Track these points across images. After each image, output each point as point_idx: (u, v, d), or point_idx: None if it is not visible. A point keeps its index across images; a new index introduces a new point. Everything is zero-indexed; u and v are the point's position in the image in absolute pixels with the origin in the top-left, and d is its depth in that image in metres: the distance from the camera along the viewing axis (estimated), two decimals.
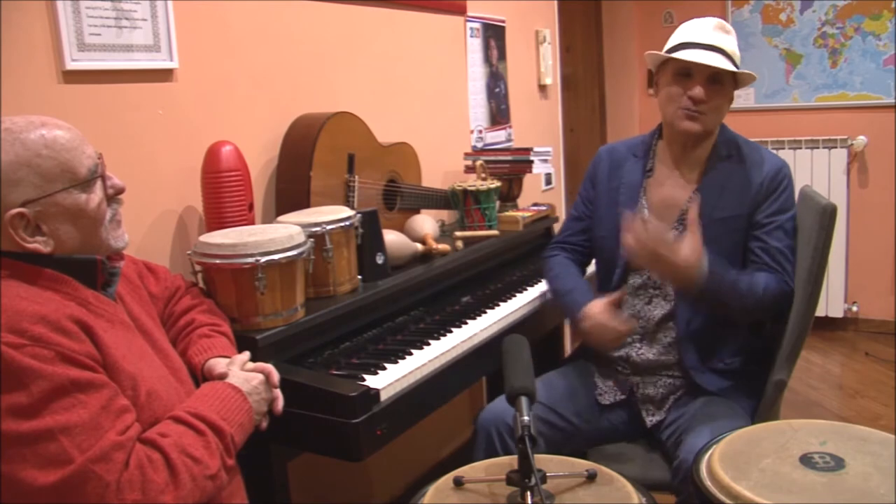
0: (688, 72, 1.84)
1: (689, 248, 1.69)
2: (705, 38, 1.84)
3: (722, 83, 1.84)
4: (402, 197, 2.32)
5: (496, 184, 2.50)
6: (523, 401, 1.22)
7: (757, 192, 1.85)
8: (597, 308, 1.86)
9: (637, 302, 1.95)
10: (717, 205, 1.86)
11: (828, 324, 4.21)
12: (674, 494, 1.69)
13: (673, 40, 1.90)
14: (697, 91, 1.82)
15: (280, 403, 1.41)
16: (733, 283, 1.76)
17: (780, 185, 1.86)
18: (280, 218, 1.83)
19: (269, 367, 1.43)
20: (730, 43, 1.86)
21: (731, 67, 1.82)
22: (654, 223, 1.73)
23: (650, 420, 1.91)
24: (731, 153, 1.91)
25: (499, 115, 3.22)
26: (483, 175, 2.55)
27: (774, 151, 4.10)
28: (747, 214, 1.85)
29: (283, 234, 1.61)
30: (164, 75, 1.78)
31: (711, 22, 1.88)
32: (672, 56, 1.85)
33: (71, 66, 1.57)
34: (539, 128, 3.59)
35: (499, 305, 2.13)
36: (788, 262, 1.84)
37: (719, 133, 1.93)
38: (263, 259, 1.55)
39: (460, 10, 2.92)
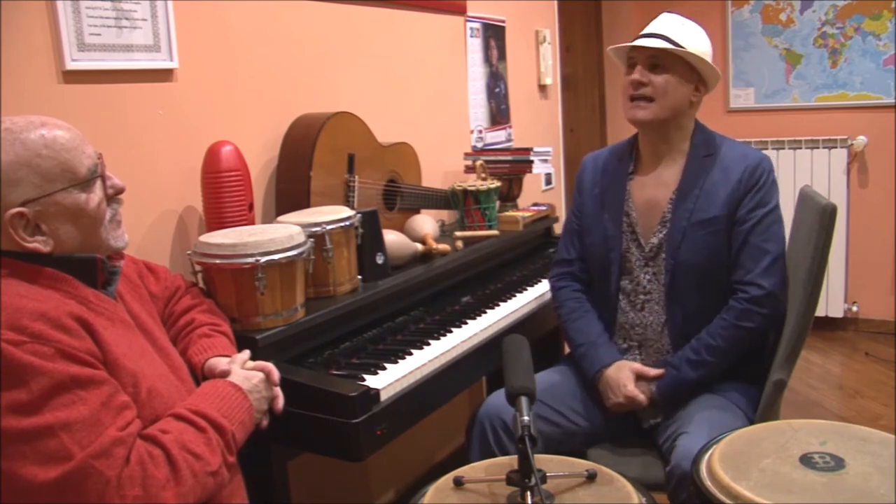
0: (633, 61, 1.88)
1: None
2: (653, 28, 1.87)
3: (665, 68, 1.84)
4: (402, 197, 2.32)
5: (496, 184, 2.50)
6: (523, 401, 1.22)
7: (736, 189, 1.83)
8: (623, 374, 1.86)
9: (629, 308, 1.95)
10: (698, 206, 1.85)
11: (828, 324, 4.20)
12: (669, 499, 1.69)
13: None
14: (636, 74, 1.84)
15: (280, 402, 1.41)
16: (691, 365, 1.82)
17: (759, 180, 1.84)
18: (280, 218, 1.83)
19: (270, 365, 1.43)
20: (679, 32, 1.84)
21: (665, 45, 1.81)
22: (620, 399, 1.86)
23: (648, 423, 1.90)
24: (710, 152, 1.89)
25: (499, 115, 3.22)
26: (483, 175, 2.55)
27: (775, 152, 4.13)
28: (728, 213, 1.84)
29: (283, 234, 1.61)
30: (164, 75, 1.78)
31: (666, 16, 1.90)
32: (621, 47, 1.90)
33: (71, 66, 1.57)
34: (539, 128, 3.59)
35: (499, 305, 2.13)
36: (768, 256, 1.81)
37: (697, 132, 1.92)
38: (263, 259, 1.55)
39: (460, 10, 2.92)
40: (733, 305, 1.83)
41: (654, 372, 1.85)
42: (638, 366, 1.88)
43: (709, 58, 1.86)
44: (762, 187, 1.84)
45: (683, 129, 1.91)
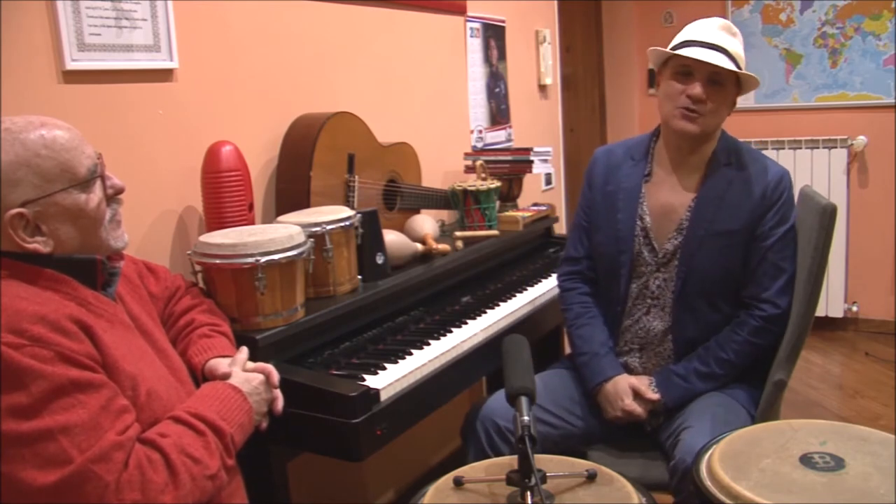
0: (688, 70, 1.80)
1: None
2: (709, 37, 1.80)
3: (723, 84, 1.80)
4: (402, 197, 2.32)
5: (496, 184, 2.50)
6: (523, 401, 1.22)
7: (758, 203, 1.82)
8: (621, 389, 1.87)
9: (635, 312, 1.94)
10: (717, 216, 1.83)
11: (828, 324, 4.21)
12: (672, 495, 1.69)
13: (677, 39, 1.85)
14: (697, 90, 1.78)
15: (280, 404, 1.41)
16: (701, 377, 1.83)
17: (781, 196, 1.83)
18: (280, 218, 1.83)
19: (270, 367, 1.43)
20: (734, 45, 1.81)
21: (732, 67, 1.77)
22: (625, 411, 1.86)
23: (649, 425, 1.90)
24: (731, 160, 1.86)
25: (499, 115, 3.22)
26: (483, 175, 2.55)
27: (775, 152, 4.13)
28: (748, 227, 1.82)
29: (283, 234, 1.61)
30: (164, 75, 1.78)
31: (717, 22, 1.83)
32: (673, 53, 1.82)
33: (71, 66, 1.57)
34: (539, 128, 3.59)
35: (499, 305, 2.13)
36: (784, 274, 1.82)
37: (719, 138, 1.89)
38: (263, 259, 1.55)
39: (460, 10, 2.92)
40: (747, 321, 1.83)
41: (651, 395, 1.85)
42: (636, 382, 1.87)
43: None
44: (784, 204, 1.83)
45: (713, 139, 1.88)
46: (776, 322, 1.82)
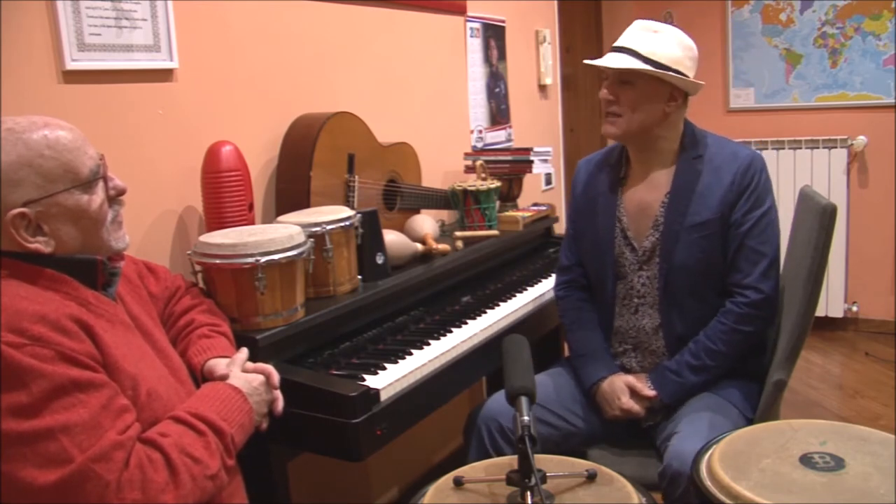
0: (606, 75, 1.86)
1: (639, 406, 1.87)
2: (622, 40, 1.83)
3: (632, 83, 1.80)
4: (402, 197, 2.32)
5: (496, 184, 2.50)
6: (523, 401, 1.22)
7: (728, 191, 1.81)
8: (617, 388, 1.87)
9: (625, 312, 1.95)
10: (690, 209, 1.83)
11: (828, 324, 4.20)
12: (662, 497, 1.69)
13: None
14: (602, 93, 1.85)
15: (280, 404, 1.42)
16: (693, 370, 1.83)
17: (752, 180, 1.82)
18: (280, 218, 1.83)
19: (270, 367, 1.43)
20: (652, 43, 1.78)
21: (622, 64, 1.77)
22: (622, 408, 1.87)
23: (646, 423, 1.90)
24: (700, 153, 1.86)
25: (499, 115, 3.22)
26: (483, 175, 2.55)
27: (775, 152, 4.13)
28: (722, 216, 1.82)
29: (283, 234, 1.61)
30: (164, 75, 1.78)
31: (639, 24, 1.85)
32: (588, 63, 1.89)
33: (71, 66, 1.57)
34: (539, 128, 3.59)
35: (499, 305, 2.13)
36: (765, 259, 1.81)
37: (686, 133, 1.89)
38: (263, 259, 1.55)
39: (460, 10, 2.92)
40: (732, 309, 1.83)
41: (647, 392, 1.85)
42: (632, 380, 1.88)
43: (686, 64, 1.80)
44: (756, 188, 1.82)
45: (666, 137, 1.87)
46: (761, 307, 1.81)
